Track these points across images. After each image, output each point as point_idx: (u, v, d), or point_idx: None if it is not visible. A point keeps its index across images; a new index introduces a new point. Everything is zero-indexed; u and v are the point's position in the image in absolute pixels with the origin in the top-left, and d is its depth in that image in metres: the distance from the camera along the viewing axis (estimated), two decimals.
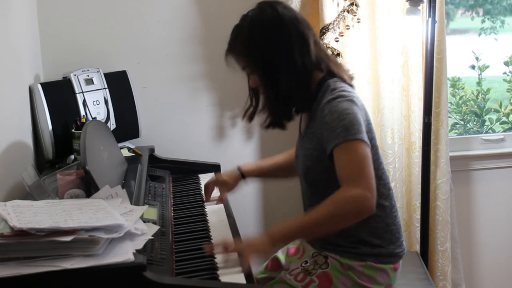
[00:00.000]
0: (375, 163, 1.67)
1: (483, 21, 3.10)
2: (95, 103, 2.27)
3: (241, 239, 1.63)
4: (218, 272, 1.47)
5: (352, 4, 2.41)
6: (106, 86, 2.31)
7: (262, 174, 2.12)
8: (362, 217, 1.58)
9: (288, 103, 1.76)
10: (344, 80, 1.75)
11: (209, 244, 1.61)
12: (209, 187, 2.07)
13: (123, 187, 1.67)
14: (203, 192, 2.09)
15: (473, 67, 2.97)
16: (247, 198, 2.67)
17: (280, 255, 1.96)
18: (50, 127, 2.15)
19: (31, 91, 2.17)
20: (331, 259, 1.75)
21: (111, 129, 2.24)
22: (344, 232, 1.68)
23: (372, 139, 1.70)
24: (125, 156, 2.13)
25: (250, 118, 1.88)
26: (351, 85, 1.77)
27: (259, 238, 1.58)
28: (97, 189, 1.60)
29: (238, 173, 2.06)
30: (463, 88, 2.98)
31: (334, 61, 1.80)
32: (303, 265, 1.78)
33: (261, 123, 1.83)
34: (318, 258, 1.77)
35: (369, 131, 1.70)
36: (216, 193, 2.08)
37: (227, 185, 2.05)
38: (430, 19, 2.38)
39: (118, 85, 2.37)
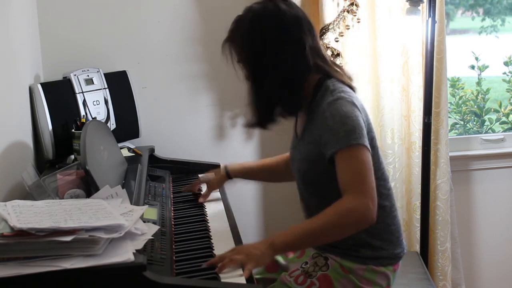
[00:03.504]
0: (375, 164, 1.66)
1: (483, 19, 3.10)
2: (95, 103, 2.27)
3: (240, 248, 1.57)
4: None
5: (352, 4, 2.41)
6: (106, 86, 2.31)
7: (249, 175, 2.12)
8: (363, 227, 1.59)
9: (271, 104, 1.73)
10: (342, 81, 1.72)
11: (209, 255, 1.57)
12: (193, 187, 2.09)
13: (123, 187, 1.67)
14: (203, 192, 2.09)
15: (472, 67, 2.97)
16: (247, 198, 2.67)
17: (278, 256, 1.94)
18: (50, 127, 2.15)
19: (31, 91, 2.17)
20: (332, 261, 1.74)
21: (111, 129, 2.24)
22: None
23: (372, 139, 1.69)
24: (125, 156, 2.13)
25: None
26: (350, 86, 1.75)
27: (259, 248, 1.54)
28: (97, 189, 1.60)
29: (224, 173, 2.08)
30: (463, 88, 2.98)
31: (332, 65, 1.77)
32: (303, 266, 1.78)
33: (245, 121, 1.81)
34: (318, 259, 1.76)
35: (370, 131, 1.68)
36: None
37: (212, 184, 2.08)
38: (430, 19, 2.38)
39: (118, 85, 2.37)
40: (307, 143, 1.72)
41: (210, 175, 2.11)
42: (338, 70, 1.77)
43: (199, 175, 2.19)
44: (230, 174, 2.08)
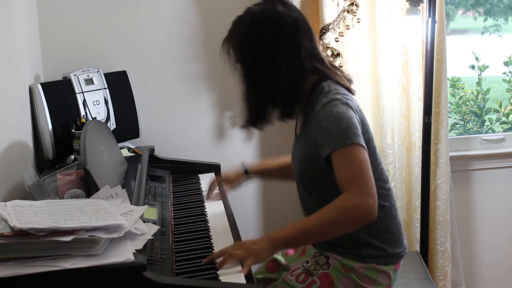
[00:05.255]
0: (373, 164, 1.66)
1: (485, 19, 3.10)
2: (95, 103, 2.27)
3: (241, 243, 1.59)
4: (218, 272, 1.47)
5: (352, 4, 2.41)
6: (106, 86, 2.31)
7: (266, 173, 2.13)
8: (364, 224, 1.59)
9: (264, 105, 1.75)
10: (339, 83, 1.73)
11: (209, 255, 1.56)
12: (213, 185, 2.08)
13: (123, 187, 1.67)
14: (203, 192, 2.09)
15: (472, 67, 2.97)
16: (247, 198, 2.67)
17: (279, 256, 1.95)
18: (50, 127, 2.15)
19: (31, 91, 2.17)
20: (333, 260, 1.74)
21: (111, 129, 2.24)
22: (344, 234, 1.66)
23: (369, 140, 1.69)
24: (125, 156, 2.13)
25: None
26: (347, 88, 1.75)
27: (259, 244, 1.56)
28: (97, 189, 1.60)
29: (242, 169, 2.09)
30: (463, 88, 2.98)
31: (331, 67, 1.78)
32: (304, 265, 1.78)
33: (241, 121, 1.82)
34: (319, 258, 1.77)
35: (366, 132, 1.68)
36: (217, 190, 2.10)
37: (230, 181, 2.08)
38: (430, 19, 2.38)
39: (118, 85, 2.37)
40: (304, 144, 1.74)
41: (229, 172, 2.12)
42: (337, 72, 1.77)
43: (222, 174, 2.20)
44: (248, 171, 2.09)
